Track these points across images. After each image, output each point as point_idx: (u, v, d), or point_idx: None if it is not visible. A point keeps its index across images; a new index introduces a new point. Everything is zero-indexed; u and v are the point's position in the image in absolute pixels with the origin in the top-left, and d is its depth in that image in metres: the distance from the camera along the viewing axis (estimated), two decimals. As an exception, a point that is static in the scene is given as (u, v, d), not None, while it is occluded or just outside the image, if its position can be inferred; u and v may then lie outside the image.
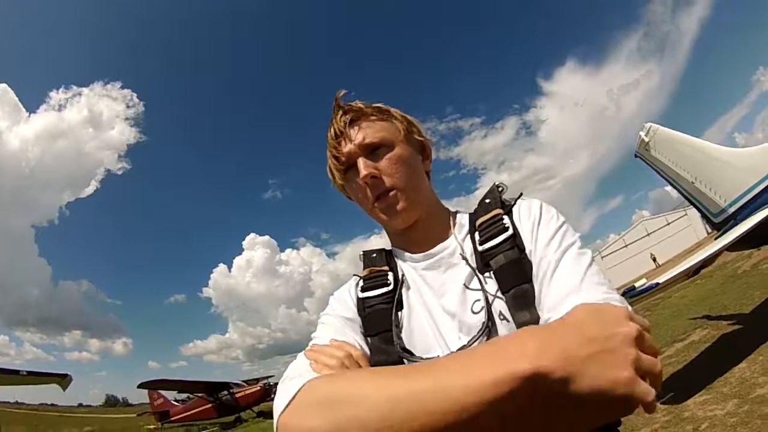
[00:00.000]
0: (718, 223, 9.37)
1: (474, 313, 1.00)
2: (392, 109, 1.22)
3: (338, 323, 1.09)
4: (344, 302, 1.17)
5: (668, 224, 43.03)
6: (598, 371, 0.60)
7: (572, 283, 0.87)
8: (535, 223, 1.04)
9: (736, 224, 8.19)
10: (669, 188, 10.94)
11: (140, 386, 28.85)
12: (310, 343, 1.02)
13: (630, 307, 0.76)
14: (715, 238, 9.02)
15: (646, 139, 10.45)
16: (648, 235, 44.12)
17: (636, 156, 11.14)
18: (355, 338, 1.04)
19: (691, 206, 10.66)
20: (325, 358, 0.91)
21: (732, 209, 8.71)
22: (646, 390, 0.61)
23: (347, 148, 1.15)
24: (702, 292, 13.91)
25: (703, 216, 10.29)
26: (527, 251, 1.01)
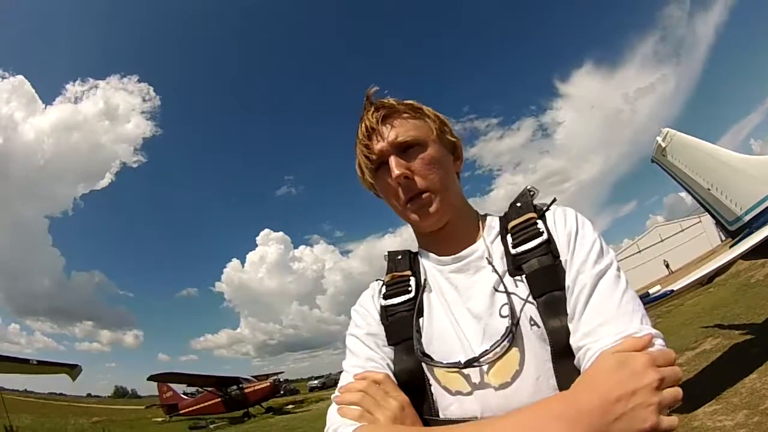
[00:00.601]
0: (733, 231, 9.26)
1: (502, 317, 0.99)
2: (425, 108, 1.20)
3: (361, 346, 1.11)
4: (366, 315, 1.18)
5: (682, 230, 42.51)
6: (626, 430, 0.71)
7: (608, 311, 0.89)
8: (572, 234, 1.02)
9: (752, 233, 8.08)
10: (683, 194, 10.88)
11: (150, 379, 29.03)
12: (342, 375, 1.08)
13: (658, 337, 0.84)
14: (730, 247, 8.92)
15: (663, 144, 10.38)
16: (662, 241, 43.60)
17: (653, 161, 11.06)
18: (378, 355, 1.07)
19: (706, 213, 10.55)
20: (350, 397, 0.97)
21: (747, 217, 8.60)
22: (669, 424, 0.73)
23: (379, 145, 1.13)
24: (714, 300, 13.76)
25: (718, 223, 10.19)
26: (562, 260, 1.00)
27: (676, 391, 0.76)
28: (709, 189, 9.45)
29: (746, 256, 8.17)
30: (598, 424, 0.71)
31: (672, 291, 7.21)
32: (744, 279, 14.62)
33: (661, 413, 0.73)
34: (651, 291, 7.28)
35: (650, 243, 44.73)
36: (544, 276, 0.99)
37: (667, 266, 39.88)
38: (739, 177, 8.84)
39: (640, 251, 44.73)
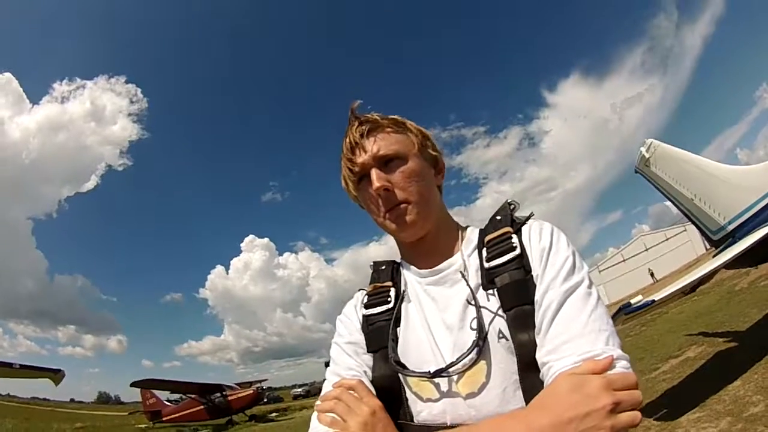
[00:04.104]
0: (717, 241, 9.34)
1: (472, 329, 1.01)
2: (408, 122, 1.24)
3: (342, 355, 1.17)
4: (349, 324, 1.23)
5: (667, 240, 43.03)
6: None
7: (574, 329, 0.90)
8: (545, 249, 1.04)
9: (735, 242, 8.17)
10: (668, 203, 10.91)
11: (133, 385, 28.73)
12: (324, 383, 1.14)
13: (621, 359, 0.85)
14: (714, 256, 9.02)
15: (647, 155, 10.45)
16: (646, 250, 44.12)
17: (636, 171, 11.13)
18: (359, 363, 1.13)
19: (691, 222, 10.66)
20: (326, 404, 1.02)
21: (731, 227, 8.69)
22: None
23: (361, 158, 1.17)
24: (699, 308, 13.90)
25: (702, 233, 10.29)
26: (533, 274, 1.02)
27: (633, 415, 0.77)
28: (692, 199, 9.54)
29: (730, 265, 8.25)
30: None
31: (653, 301, 7.24)
32: (728, 287, 14.80)
33: None
34: (633, 301, 7.32)
35: (635, 252, 45.24)
36: (514, 290, 1.00)
37: (652, 275, 40.32)
38: (722, 187, 8.94)
39: (624, 260, 45.21)
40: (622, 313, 7.04)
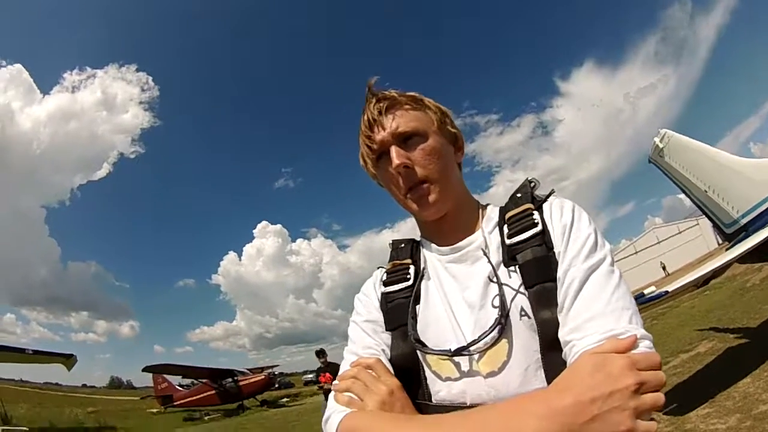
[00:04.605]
0: (730, 234, 9.25)
1: (493, 307, 1.00)
2: (426, 99, 1.22)
3: (360, 333, 1.16)
4: (367, 302, 1.23)
5: (680, 233, 42.69)
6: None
7: (596, 307, 0.87)
8: (567, 226, 1.02)
9: (748, 236, 8.07)
10: (682, 196, 10.80)
11: (145, 370, 29.26)
12: (342, 362, 1.14)
13: (645, 339, 0.82)
14: (726, 250, 8.92)
15: (661, 145, 10.34)
16: (659, 242, 43.80)
17: (650, 162, 11.03)
18: (377, 342, 1.12)
19: (703, 216, 10.54)
20: (344, 384, 1.02)
21: (744, 221, 8.59)
22: (646, 429, 0.72)
23: (380, 136, 1.15)
24: (710, 303, 13.82)
25: (715, 226, 10.18)
26: (555, 251, 1.00)
27: (657, 396, 0.75)
28: (706, 191, 9.43)
29: (742, 259, 8.19)
30: (570, 423, 0.71)
31: (667, 292, 7.19)
32: (740, 282, 14.68)
33: (639, 417, 0.72)
34: (646, 291, 7.27)
35: (647, 244, 44.93)
36: (536, 267, 0.98)
37: (664, 268, 40.06)
38: (736, 179, 8.82)
39: (637, 252, 44.91)
40: (636, 304, 6.99)
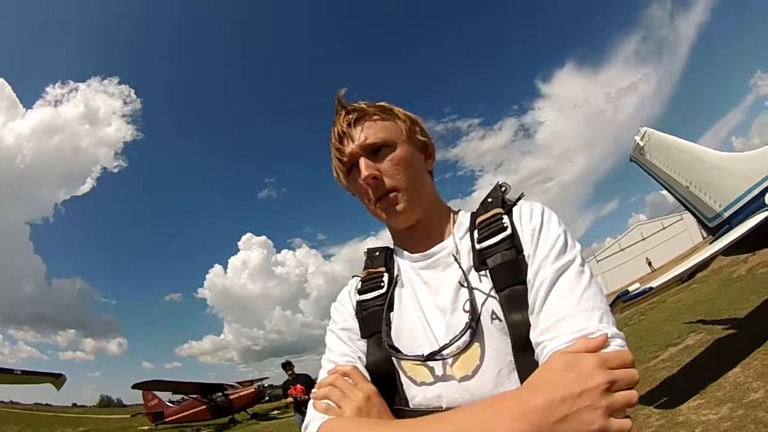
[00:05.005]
0: (713, 228, 9.36)
1: (465, 311, 1.01)
2: (395, 108, 1.23)
3: (336, 341, 1.18)
4: (343, 310, 1.24)
5: (664, 228, 43.15)
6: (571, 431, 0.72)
7: (567, 307, 0.88)
8: (536, 229, 1.03)
9: (731, 229, 8.18)
10: (665, 192, 10.92)
11: (135, 387, 28.81)
12: (320, 371, 1.14)
13: (617, 338, 0.83)
14: (710, 243, 9.03)
15: (641, 144, 10.45)
16: (644, 239, 44.21)
17: (631, 160, 11.13)
18: (353, 349, 1.14)
19: (687, 211, 10.66)
20: (321, 391, 1.03)
21: (727, 214, 8.70)
22: (619, 427, 0.73)
23: (349, 148, 1.16)
24: (697, 296, 13.96)
25: (699, 220, 10.30)
26: (525, 254, 1.01)
27: (630, 394, 0.76)
28: (688, 186, 9.54)
29: (727, 251, 8.27)
30: (541, 423, 0.72)
31: (651, 288, 7.24)
32: (726, 275, 14.87)
33: (612, 415, 0.73)
34: (630, 288, 7.32)
35: (632, 241, 45.33)
36: (506, 270, 1.00)
37: (650, 264, 40.45)
38: (717, 174, 8.93)
39: (622, 249, 45.31)
40: (620, 301, 7.02)
